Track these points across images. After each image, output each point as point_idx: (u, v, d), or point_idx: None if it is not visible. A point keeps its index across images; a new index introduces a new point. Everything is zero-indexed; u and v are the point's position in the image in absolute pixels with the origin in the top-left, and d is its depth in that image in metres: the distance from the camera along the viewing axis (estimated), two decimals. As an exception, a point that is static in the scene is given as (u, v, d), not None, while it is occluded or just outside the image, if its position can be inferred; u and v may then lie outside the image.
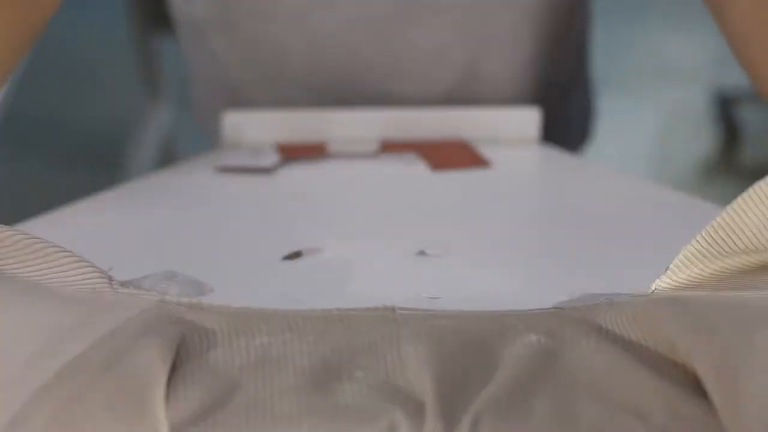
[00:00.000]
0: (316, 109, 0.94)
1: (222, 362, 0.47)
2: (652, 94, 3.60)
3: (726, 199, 0.86)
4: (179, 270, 0.62)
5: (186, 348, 0.48)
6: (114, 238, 0.70)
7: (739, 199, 0.56)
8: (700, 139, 3.20)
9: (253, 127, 0.93)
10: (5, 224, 0.72)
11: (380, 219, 0.76)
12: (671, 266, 0.56)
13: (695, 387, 0.45)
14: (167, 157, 2.37)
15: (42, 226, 0.71)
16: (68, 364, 0.45)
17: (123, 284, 0.55)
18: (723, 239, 0.56)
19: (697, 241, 0.56)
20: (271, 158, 0.87)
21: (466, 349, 0.49)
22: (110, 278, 0.54)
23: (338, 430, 0.43)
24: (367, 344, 0.49)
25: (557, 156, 0.91)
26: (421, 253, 0.68)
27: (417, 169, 0.86)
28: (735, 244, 0.55)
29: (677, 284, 0.56)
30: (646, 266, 0.63)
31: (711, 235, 0.56)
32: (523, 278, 0.64)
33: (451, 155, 0.88)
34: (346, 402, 0.45)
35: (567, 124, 1.12)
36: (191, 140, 2.03)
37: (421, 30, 0.94)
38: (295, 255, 0.66)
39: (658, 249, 0.67)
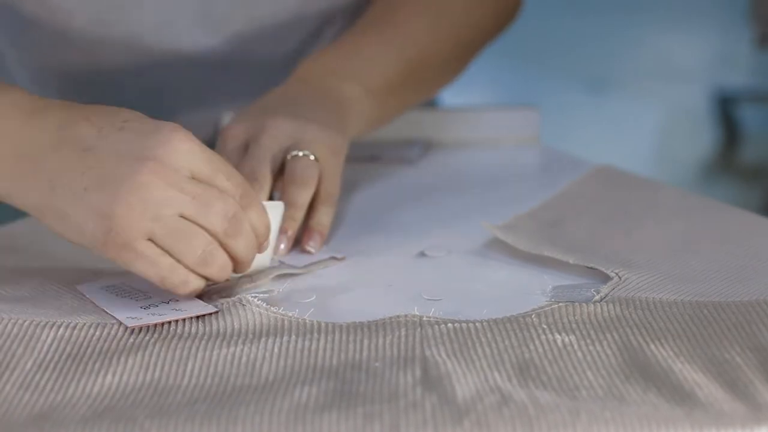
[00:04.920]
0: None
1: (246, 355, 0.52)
2: (652, 94, 3.60)
3: (726, 198, 0.86)
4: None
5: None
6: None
7: None
8: (700, 139, 3.20)
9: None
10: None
11: (380, 219, 0.76)
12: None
13: None
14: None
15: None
16: None
17: None
18: None
19: None
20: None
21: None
22: None
23: (353, 414, 0.45)
24: (389, 342, 0.52)
25: (557, 156, 0.91)
26: (422, 254, 0.69)
27: (417, 168, 0.87)
28: None
29: None
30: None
31: None
32: (523, 278, 0.64)
33: None
34: (362, 389, 0.48)
35: None
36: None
37: None
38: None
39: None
